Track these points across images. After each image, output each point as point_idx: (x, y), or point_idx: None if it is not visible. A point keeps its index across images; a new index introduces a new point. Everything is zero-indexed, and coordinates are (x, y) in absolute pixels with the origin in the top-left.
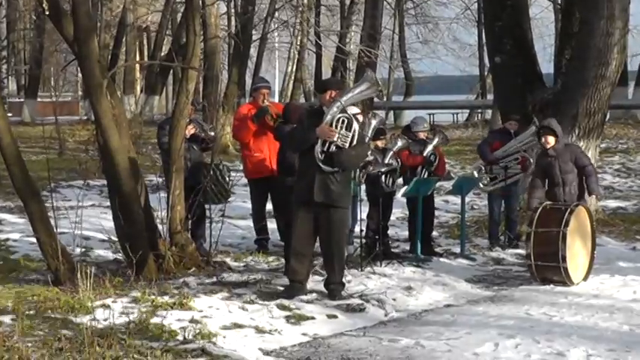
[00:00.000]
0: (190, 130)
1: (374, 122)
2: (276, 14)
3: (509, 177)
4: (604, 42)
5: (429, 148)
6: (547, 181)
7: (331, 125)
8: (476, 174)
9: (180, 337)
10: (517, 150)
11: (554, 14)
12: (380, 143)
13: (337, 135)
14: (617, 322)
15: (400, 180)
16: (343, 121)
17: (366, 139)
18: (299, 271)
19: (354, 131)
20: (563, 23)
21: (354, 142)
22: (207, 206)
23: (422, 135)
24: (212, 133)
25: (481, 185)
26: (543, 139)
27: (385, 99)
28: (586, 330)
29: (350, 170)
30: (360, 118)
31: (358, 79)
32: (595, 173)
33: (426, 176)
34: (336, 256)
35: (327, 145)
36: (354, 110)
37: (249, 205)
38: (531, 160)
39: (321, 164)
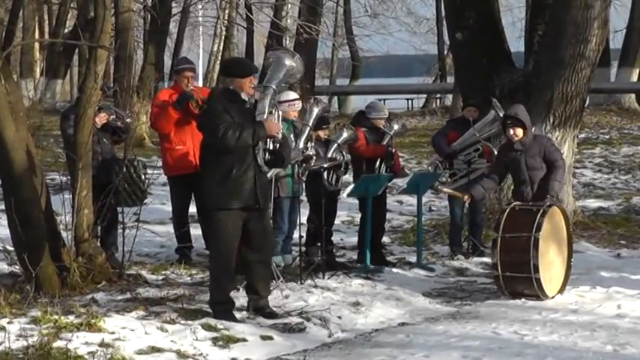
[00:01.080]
0: (102, 120)
1: (316, 110)
2: None
3: (473, 172)
4: (582, 15)
5: (388, 137)
6: (513, 178)
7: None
8: (432, 171)
9: None
10: (476, 140)
11: None
12: (322, 134)
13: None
14: (600, 342)
15: (347, 176)
16: (274, 113)
17: (307, 129)
18: (230, 289)
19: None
20: None
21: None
22: (119, 209)
23: (380, 123)
24: (129, 120)
25: (438, 183)
26: (511, 132)
27: (328, 82)
28: (563, 351)
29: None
30: (299, 104)
31: None
32: (563, 170)
33: (385, 172)
34: (268, 266)
35: (268, 142)
36: (292, 96)
37: (169, 207)
38: (495, 151)
39: (264, 165)
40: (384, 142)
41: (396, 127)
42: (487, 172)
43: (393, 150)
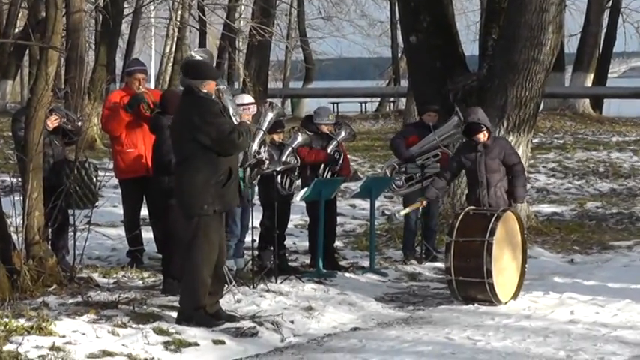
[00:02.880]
0: (54, 122)
1: (270, 115)
2: None
3: (427, 177)
4: (537, 19)
5: (334, 143)
6: (468, 181)
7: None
8: (388, 174)
9: None
10: (436, 146)
11: None
12: (277, 137)
13: None
14: (553, 347)
15: (299, 182)
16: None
17: (260, 134)
18: (206, 294)
19: None
20: None
21: None
22: (70, 212)
23: (325, 128)
24: (80, 124)
25: (394, 187)
26: (481, 137)
27: (281, 85)
28: (516, 356)
29: None
30: (254, 108)
31: (250, 60)
32: (524, 174)
33: (329, 177)
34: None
35: None
36: (246, 99)
37: (120, 210)
38: None
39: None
40: (329, 148)
41: (342, 134)
42: (441, 173)
43: (341, 155)
